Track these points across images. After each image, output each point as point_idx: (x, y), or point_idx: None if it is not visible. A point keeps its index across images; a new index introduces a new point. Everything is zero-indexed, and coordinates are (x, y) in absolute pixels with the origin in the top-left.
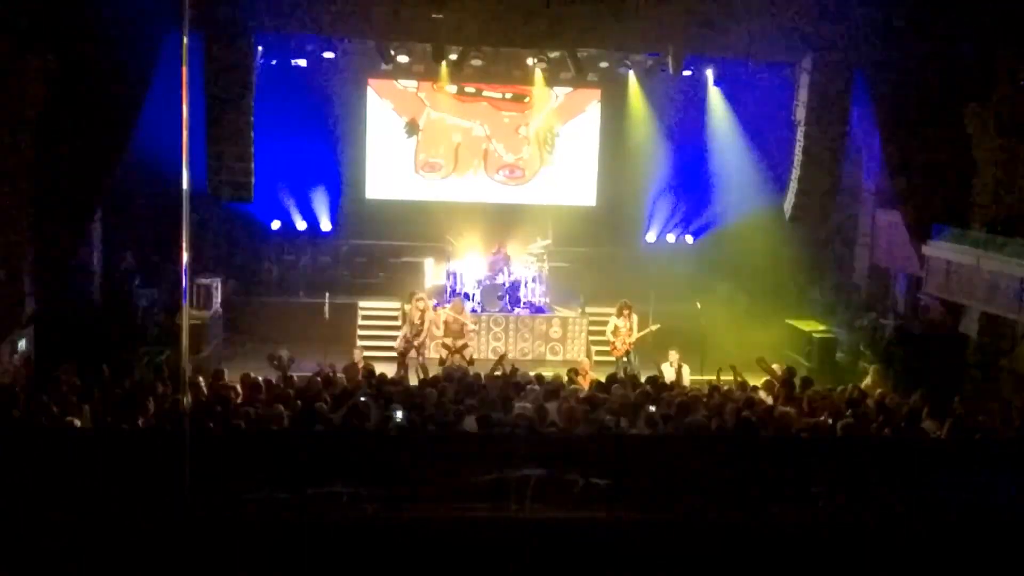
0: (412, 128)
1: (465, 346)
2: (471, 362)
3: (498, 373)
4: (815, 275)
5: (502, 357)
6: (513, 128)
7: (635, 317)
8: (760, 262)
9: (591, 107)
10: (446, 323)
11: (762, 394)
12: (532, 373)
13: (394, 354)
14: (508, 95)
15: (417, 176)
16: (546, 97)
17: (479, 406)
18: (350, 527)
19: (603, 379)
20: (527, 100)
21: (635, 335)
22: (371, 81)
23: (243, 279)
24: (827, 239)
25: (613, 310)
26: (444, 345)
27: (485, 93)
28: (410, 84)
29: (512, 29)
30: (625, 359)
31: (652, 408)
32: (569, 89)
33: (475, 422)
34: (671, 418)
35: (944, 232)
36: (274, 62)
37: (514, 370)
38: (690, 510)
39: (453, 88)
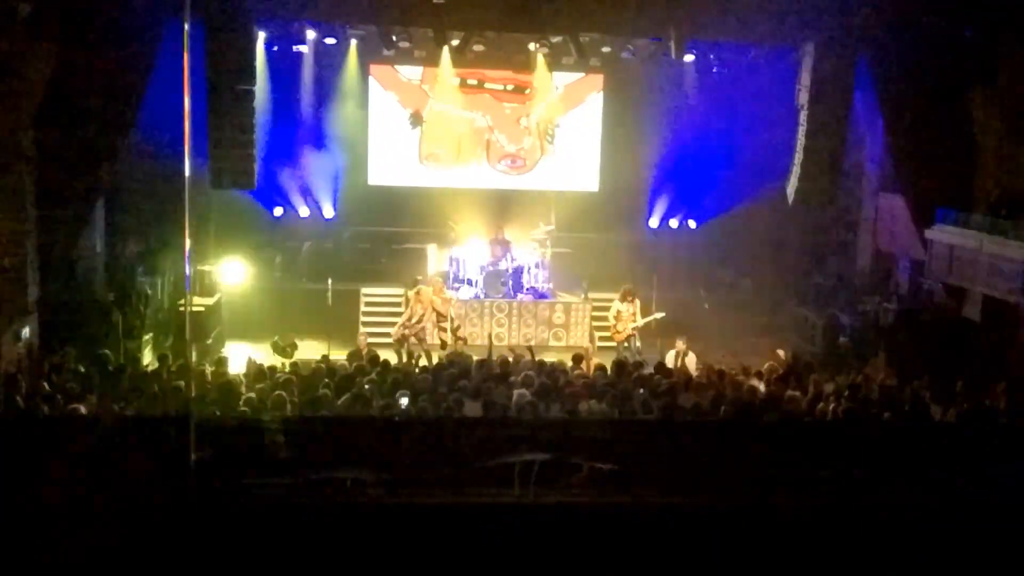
0: (416, 120)
1: (459, 327)
2: (464, 340)
3: (496, 358)
4: (818, 260)
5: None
6: (514, 119)
7: (638, 303)
8: (763, 247)
9: (591, 98)
10: (434, 308)
11: (764, 380)
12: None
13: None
14: (509, 87)
15: (421, 167)
16: (546, 88)
17: (474, 390)
18: (353, 513)
19: (607, 365)
20: (528, 92)
21: (639, 321)
22: (376, 73)
23: (246, 266)
24: (830, 224)
25: (616, 295)
26: (440, 328)
27: (487, 85)
28: (414, 77)
29: (514, 14)
30: (626, 344)
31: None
32: (569, 80)
33: (480, 407)
34: (667, 404)
35: (947, 216)
36: (276, 48)
37: (518, 357)
38: (695, 495)
39: (456, 80)
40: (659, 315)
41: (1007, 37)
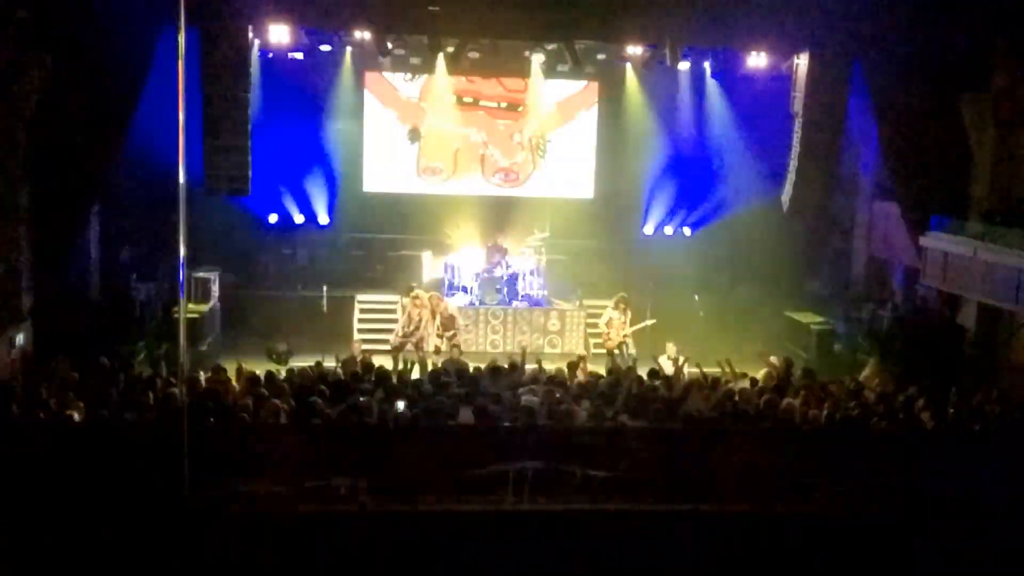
0: (415, 135)
1: (455, 335)
2: (458, 348)
3: (499, 365)
4: (813, 267)
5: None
6: (508, 135)
7: (630, 313)
8: (758, 254)
9: (582, 115)
10: (441, 316)
11: (759, 387)
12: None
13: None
14: (503, 104)
15: (419, 179)
16: (539, 105)
17: (481, 398)
18: (347, 519)
19: (601, 372)
20: (520, 109)
21: (629, 328)
22: (374, 89)
23: (241, 273)
24: (825, 231)
25: (611, 303)
26: (443, 336)
27: (482, 103)
28: (412, 94)
29: (509, 21)
30: (618, 351)
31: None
32: (560, 98)
33: (472, 414)
34: (664, 411)
35: (941, 223)
36: (271, 55)
37: (515, 364)
38: (687, 502)
39: (452, 98)
40: (650, 322)
41: (1000, 44)
